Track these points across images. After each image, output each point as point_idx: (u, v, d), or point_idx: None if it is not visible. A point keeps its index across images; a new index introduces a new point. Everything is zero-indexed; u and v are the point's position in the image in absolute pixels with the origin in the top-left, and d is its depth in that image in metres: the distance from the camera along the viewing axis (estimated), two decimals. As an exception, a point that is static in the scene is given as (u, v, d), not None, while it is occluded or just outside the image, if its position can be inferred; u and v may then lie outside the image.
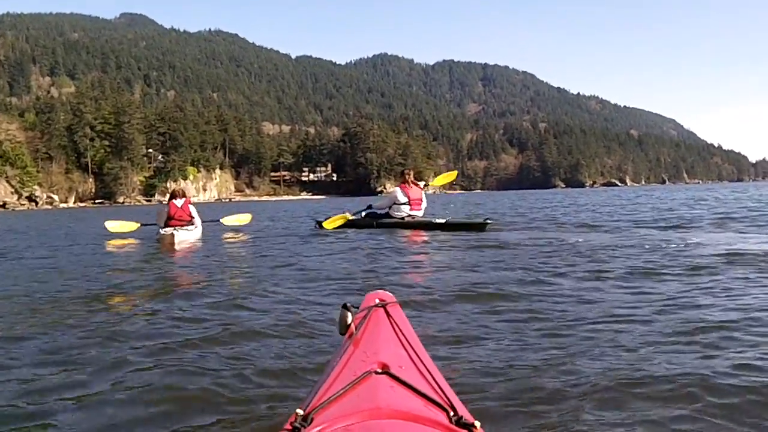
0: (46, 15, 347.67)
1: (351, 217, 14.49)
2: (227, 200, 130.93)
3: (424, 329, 3.69)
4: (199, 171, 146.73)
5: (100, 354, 3.51)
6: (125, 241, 12.70)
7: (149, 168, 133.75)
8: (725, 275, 5.65)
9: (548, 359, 3.04)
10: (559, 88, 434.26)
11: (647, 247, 8.30)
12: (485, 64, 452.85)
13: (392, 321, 1.87)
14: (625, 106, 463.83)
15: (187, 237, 12.71)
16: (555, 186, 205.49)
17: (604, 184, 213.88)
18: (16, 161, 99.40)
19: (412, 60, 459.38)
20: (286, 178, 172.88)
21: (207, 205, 68.09)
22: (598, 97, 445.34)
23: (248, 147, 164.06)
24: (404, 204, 13.82)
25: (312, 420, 1.32)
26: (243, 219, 16.87)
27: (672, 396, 2.58)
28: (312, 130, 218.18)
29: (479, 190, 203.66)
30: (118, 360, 3.35)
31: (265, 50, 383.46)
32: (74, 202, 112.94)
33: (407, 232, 12.28)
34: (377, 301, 2.04)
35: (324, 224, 14.51)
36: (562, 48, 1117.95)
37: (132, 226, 14.95)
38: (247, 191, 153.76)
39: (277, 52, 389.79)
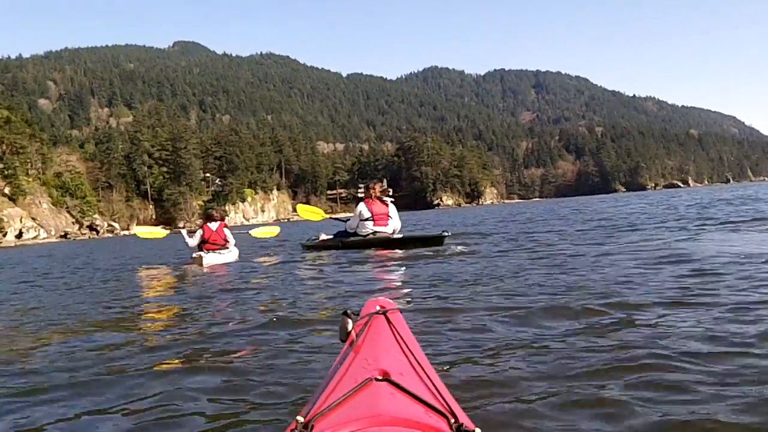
0: (103, 47, 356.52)
1: (327, 217, 15.24)
2: (285, 220, 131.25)
3: (425, 336, 3.68)
4: (256, 193, 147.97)
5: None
6: (155, 271, 12.04)
7: (208, 192, 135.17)
8: None
9: (552, 368, 2.97)
10: (614, 91, 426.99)
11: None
12: (537, 70, 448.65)
13: (393, 328, 1.88)
14: (683, 106, 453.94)
15: (217, 260, 12.35)
16: (615, 190, 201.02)
17: (666, 186, 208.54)
18: (76, 191, 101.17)
19: (463, 71, 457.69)
20: (342, 195, 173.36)
21: (265, 226, 68.33)
22: (654, 98, 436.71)
23: (304, 167, 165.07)
24: (368, 220, 12.66)
25: (312, 427, 1.33)
26: (272, 231, 16.76)
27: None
28: (366, 147, 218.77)
29: (537, 199, 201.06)
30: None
31: (317, 70, 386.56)
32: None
33: (370, 252, 11.31)
34: (378, 308, 2.04)
35: (298, 208, 15.65)
36: (615, 51, 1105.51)
37: (161, 233, 15.35)
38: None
39: (328, 71, 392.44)
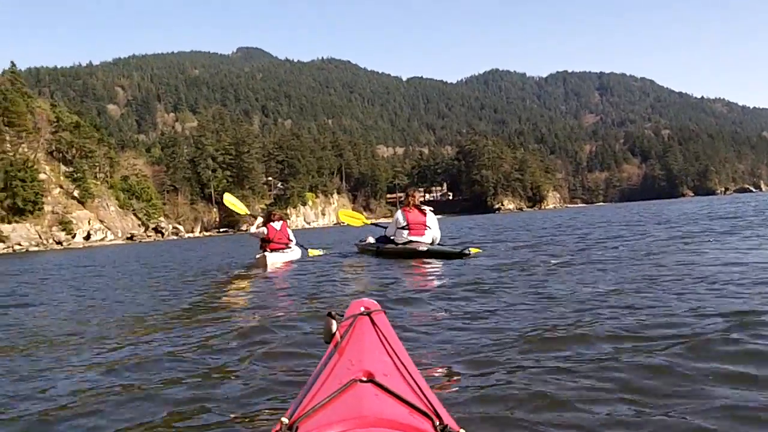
0: (168, 54, 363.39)
1: (368, 223, 15.65)
2: (344, 224, 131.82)
3: (409, 337, 3.71)
4: (317, 196, 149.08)
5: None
6: (223, 273, 12.38)
7: (269, 195, 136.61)
8: None
9: (536, 366, 3.01)
10: (681, 92, 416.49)
11: None
12: (601, 72, 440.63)
13: (377, 329, 1.87)
14: (754, 108, 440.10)
15: (281, 258, 12.77)
16: (683, 195, 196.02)
17: (737, 191, 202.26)
18: (142, 194, 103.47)
19: (524, 74, 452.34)
20: (401, 199, 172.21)
21: (326, 230, 69.73)
22: (724, 100, 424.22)
23: (364, 170, 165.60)
24: (404, 228, 12.53)
25: (297, 429, 1.32)
26: (318, 251, 16.48)
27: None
28: (426, 151, 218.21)
29: (601, 203, 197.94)
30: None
31: (377, 74, 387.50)
32: (200, 232, 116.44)
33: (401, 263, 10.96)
34: (362, 309, 2.03)
35: (339, 213, 16.02)
36: (682, 51, 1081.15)
37: (244, 209, 15.93)
38: (365, 214, 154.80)
39: (389, 75, 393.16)
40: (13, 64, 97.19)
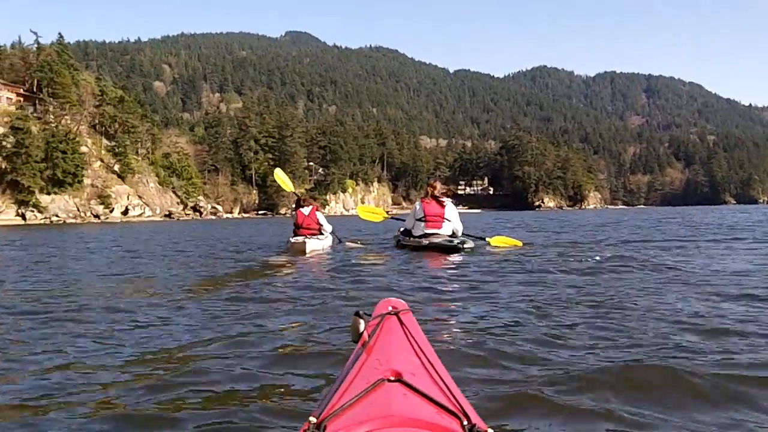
0: (217, 34, 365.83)
1: (387, 217, 14.92)
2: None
3: (437, 336, 3.74)
4: (357, 184, 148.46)
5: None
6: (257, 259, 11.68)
7: (310, 181, 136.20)
8: None
9: (567, 368, 2.98)
10: (728, 99, 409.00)
11: None
12: (649, 75, 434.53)
13: (405, 328, 1.89)
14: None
15: (316, 246, 12.09)
16: (725, 202, 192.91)
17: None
18: (183, 172, 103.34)
19: (572, 72, 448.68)
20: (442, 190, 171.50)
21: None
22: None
23: (405, 160, 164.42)
24: (421, 220, 11.76)
25: (325, 428, 1.33)
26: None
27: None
28: (469, 144, 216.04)
29: (642, 206, 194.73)
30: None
31: (424, 65, 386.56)
32: (238, 213, 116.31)
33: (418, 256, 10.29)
34: (390, 308, 2.05)
35: (358, 209, 15.29)
36: (732, 58, 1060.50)
37: (290, 187, 15.65)
38: (404, 204, 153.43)
39: (435, 66, 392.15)
40: (60, 36, 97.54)
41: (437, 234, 11.50)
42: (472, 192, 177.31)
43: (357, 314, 1.92)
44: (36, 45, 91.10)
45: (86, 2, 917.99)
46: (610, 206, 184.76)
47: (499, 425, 2.23)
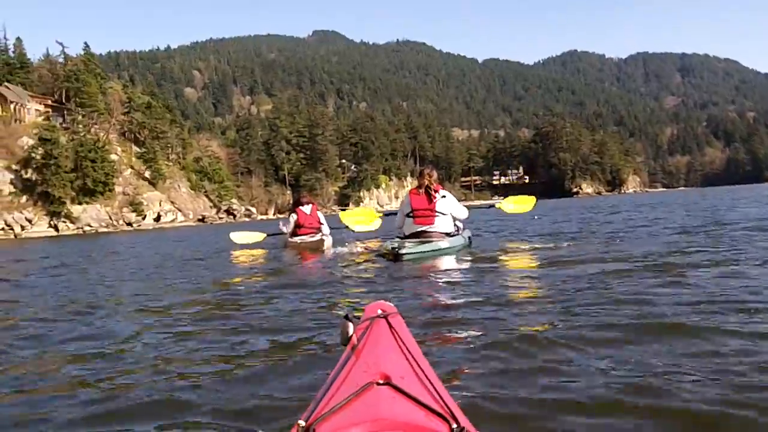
0: (245, 38, 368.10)
1: (377, 216, 12.44)
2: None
3: (426, 339, 3.67)
4: (390, 179, 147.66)
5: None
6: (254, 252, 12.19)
7: (343, 178, 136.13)
8: None
9: (554, 369, 2.94)
10: (767, 74, 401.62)
11: None
12: (683, 53, 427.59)
13: (394, 332, 1.89)
14: None
15: (308, 246, 11.97)
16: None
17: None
18: (214, 176, 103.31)
19: (604, 55, 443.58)
20: (476, 182, 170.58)
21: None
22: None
23: (438, 153, 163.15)
24: (408, 215, 9.83)
25: (314, 431, 1.34)
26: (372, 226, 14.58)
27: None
28: (501, 133, 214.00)
29: (683, 188, 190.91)
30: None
31: (452, 56, 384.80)
32: (273, 214, 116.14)
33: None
34: (379, 311, 2.04)
35: (341, 215, 13.13)
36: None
37: (258, 236, 14.54)
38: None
39: (464, 57, 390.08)
40: (86, 46, 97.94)
41: (427, 232, 9.63)
42: (507, 182, 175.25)
43: (346, 317, 1.92)
44: (63, 56, 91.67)
45: (115, 14, 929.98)
46: (648, 189, 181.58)
47: (488, 428, 2.19)
